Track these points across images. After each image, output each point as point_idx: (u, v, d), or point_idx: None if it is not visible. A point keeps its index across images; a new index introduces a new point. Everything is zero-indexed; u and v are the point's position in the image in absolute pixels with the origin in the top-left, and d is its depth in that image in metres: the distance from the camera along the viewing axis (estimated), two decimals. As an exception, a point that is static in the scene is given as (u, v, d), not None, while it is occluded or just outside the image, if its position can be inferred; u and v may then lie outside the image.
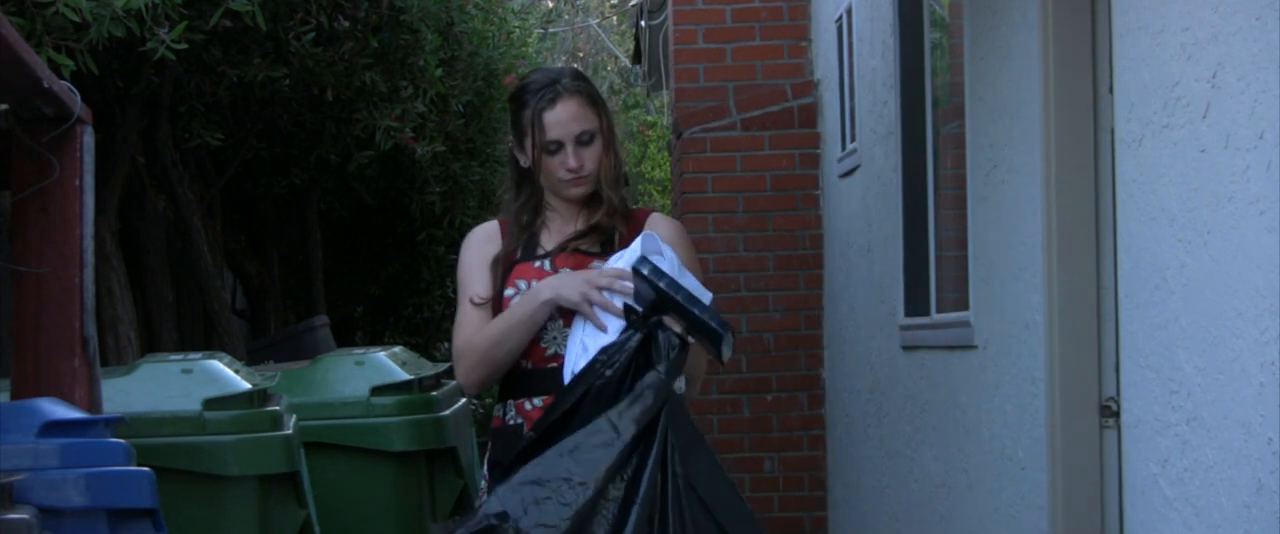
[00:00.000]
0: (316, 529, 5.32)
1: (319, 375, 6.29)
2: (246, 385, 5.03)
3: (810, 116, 9.34)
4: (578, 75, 3.77)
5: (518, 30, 11.40)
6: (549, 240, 3.72)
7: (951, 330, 6.16)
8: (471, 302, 3.69)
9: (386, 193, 10.61)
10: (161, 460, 4.48)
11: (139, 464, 3.73)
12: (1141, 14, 4.18)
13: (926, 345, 6.68)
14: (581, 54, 22.92)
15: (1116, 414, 4.64)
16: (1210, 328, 3.81)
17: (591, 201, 3.71)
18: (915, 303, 6.94)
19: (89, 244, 4.33)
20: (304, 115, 8.52)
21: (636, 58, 14.63)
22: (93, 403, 4.35)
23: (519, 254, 3.71)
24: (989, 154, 5.59)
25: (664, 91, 13.34)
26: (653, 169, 19.73)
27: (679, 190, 9.67)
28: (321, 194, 10.61)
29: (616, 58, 22.15)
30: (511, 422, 3.65)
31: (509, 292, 3.66)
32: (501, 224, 3.79)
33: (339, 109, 8.23)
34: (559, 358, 3.58)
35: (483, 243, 3.76)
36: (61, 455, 3.54)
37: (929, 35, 6.77)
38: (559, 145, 3.66)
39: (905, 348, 7.08)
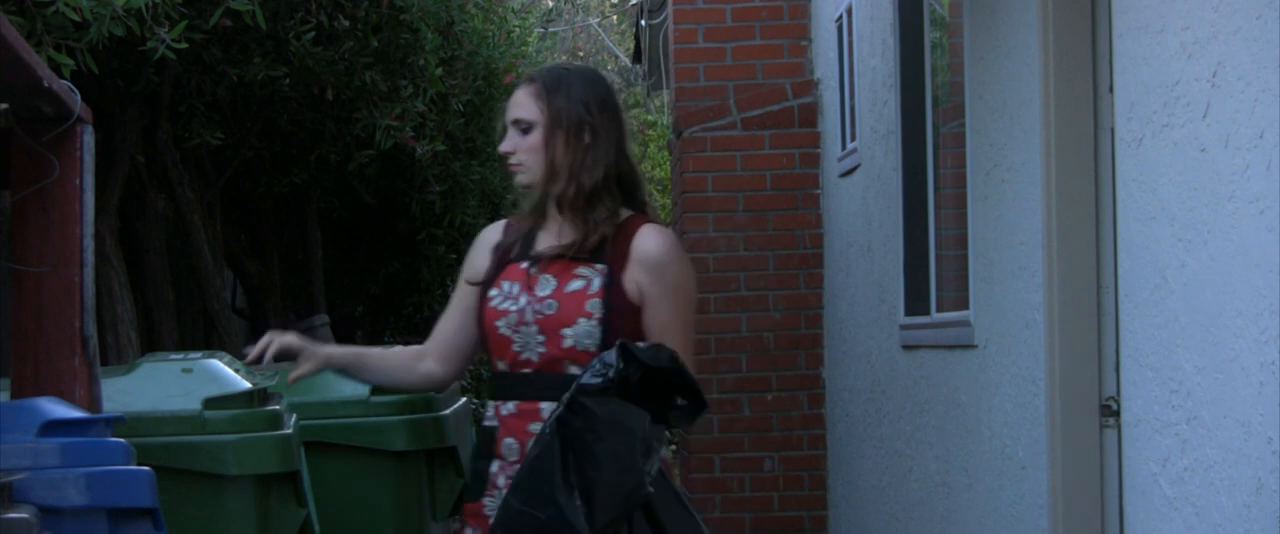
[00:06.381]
0: (316, 528, 5.32)
1: (319, 374, 6.28)
2: (246, 385, 5.03)
3: (810, 116, 9.34)
4: (554, 68, 3.77)
5: (518, 29, 11.39)
6: (543, 241, 3.70)
7: (952, 330, 6.15)
8: (467, 281, 3.75)
9: (386, 192, 10.60)
10: (162, 460, 4.48)
11: (139, 463, 3.73)
12: (1141, 13, 4.18)
13: (926, 345, 6.68)
14: (581, 53, 22.91)
15: (1116, 414, 4.64)
16: (1210, 327, 3.81)
17: (586, 206, 3.66)
18: (915, 302, 6.93)
19: (89, 244, 4.32)
20: (304, 115, 8.52)
21: (636, 57, 14.62)
22: (93, 402, 4.35)
23: (515, 252, 3.71)
24: (989, 153, 5.59)
25: (664, 91, 13.34)
26: (653, 168, 19.72)
27: (679, 190, 9.67)
28: (321, 193, 10.61)
29: (616, 57, 22.14)
30: (487, 423, 3.67)
31: (492, 292, 3.66)
32: (509, 223, 3.80)
33: (339, 108, 8.22)
34: (531, 363, 3.58)
35: (487, 238, 3.80)
36: (61, 455, 3.53)
37: (929, 35, 6.77)
38: (506, 128, 3.69)
39: (905, 347, 7.08)
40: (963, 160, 5.96)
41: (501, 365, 3.64)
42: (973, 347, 5.85)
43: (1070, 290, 4.83)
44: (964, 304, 6.01)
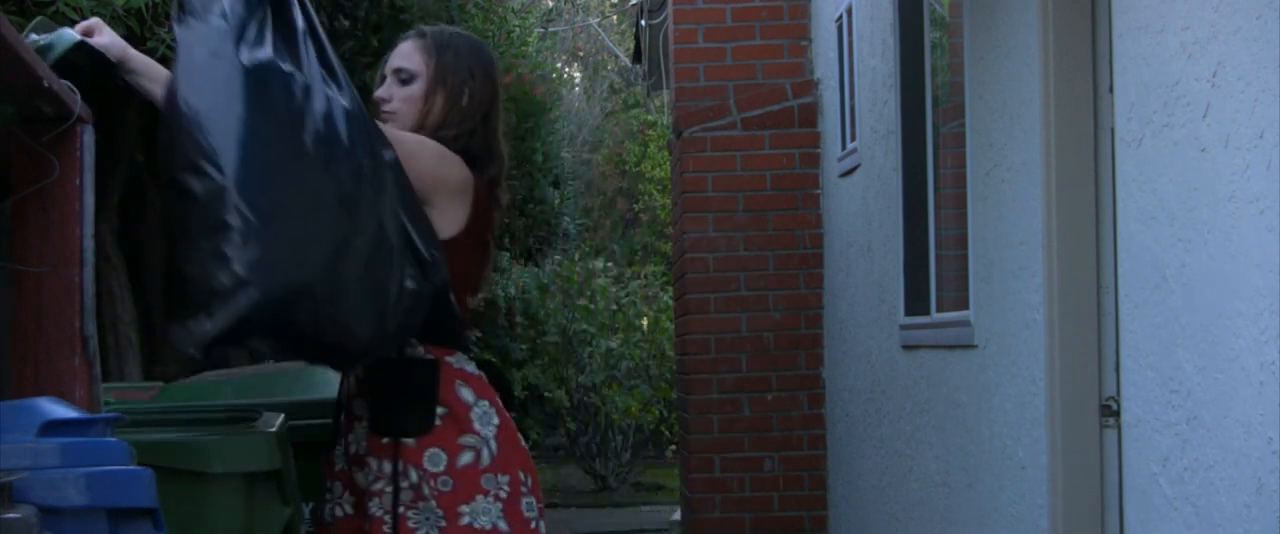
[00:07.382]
0: (301, 529, 5.33)
1: (316, 374, 6.29)
2: None
3: (810, 116, 9.34)
4: (444, 28, 3.79)
5: (518, 29, 11.40)
6: None
7: (951, 330, 6.15)
8: None
9: (386, 192, 10.60)
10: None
11: None
12: (1141, 13, 4.18)
13: (926, 345, 6.68)
14: (581, 53, 22.91)
15: (1116, 414, 4.64)
16: (1210, 327, 3.81)
17: None
18: (915, 302, 6.93)
19: (89, 244, 4.32)
20: (304, 115, 8.52)
21: (636, 57, 14.61)
22: (93, 402, 4.35)
23: None
24: (989, 153, 5.59)
25: (664, 91, 13.33)
26: (653, 168, 19.71)
27: (679, 190, 9.67)
28: (321, 193, 10.61)
29: (616, 57, 22.13)
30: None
31: None
32: None
33: (339, 108, 8.23)
34: None
35: None
36: (61, 455, 3.53)
37: (929, 35, 6.77)
38: (385, 77, 3.72)
39: (905, 347, 7.08)
40: (963, 160, 5.96)
41: None
42: (973, 347, 5.85)
43: (1070, 290, 4.83)
44: (964, 304, 6.01)
